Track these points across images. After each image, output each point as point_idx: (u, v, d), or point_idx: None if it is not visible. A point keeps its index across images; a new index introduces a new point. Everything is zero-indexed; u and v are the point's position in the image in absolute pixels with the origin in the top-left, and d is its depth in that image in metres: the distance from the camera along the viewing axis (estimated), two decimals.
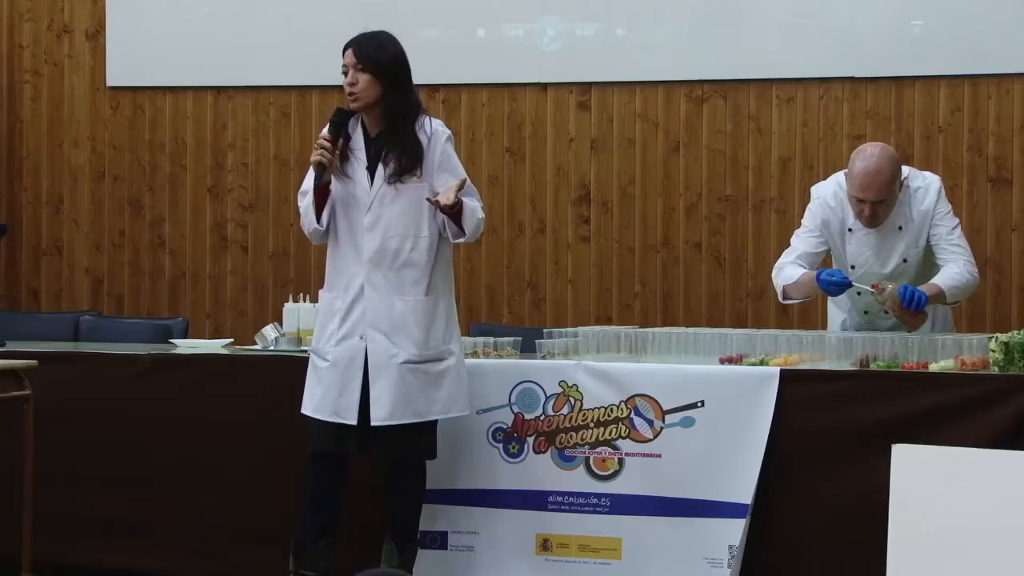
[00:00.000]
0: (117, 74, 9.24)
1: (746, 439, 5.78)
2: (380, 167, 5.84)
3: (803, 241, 6.42)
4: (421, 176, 5.83)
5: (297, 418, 5.88)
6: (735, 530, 5.76)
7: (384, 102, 5.85)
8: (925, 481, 3.54)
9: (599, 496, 5.94)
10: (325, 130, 5.88)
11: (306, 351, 6.44)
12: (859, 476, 5.60)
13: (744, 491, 5.76)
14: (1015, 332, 5.81)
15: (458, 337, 5.97)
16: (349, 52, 5.88)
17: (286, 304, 6.76)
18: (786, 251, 6.48)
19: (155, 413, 6.36)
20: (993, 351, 5.75)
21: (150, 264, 9.26)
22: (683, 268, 8.50)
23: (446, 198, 5.72)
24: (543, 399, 6.03)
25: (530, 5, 8.71)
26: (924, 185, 6.37)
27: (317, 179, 5.83)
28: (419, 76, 8.75)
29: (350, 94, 5.85)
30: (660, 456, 5.88)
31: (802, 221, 6.50)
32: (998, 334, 5.85)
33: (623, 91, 8.58)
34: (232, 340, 7.17)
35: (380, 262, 5.84)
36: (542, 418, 6.01)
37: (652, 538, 5.87)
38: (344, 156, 5.86)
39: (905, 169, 6.37)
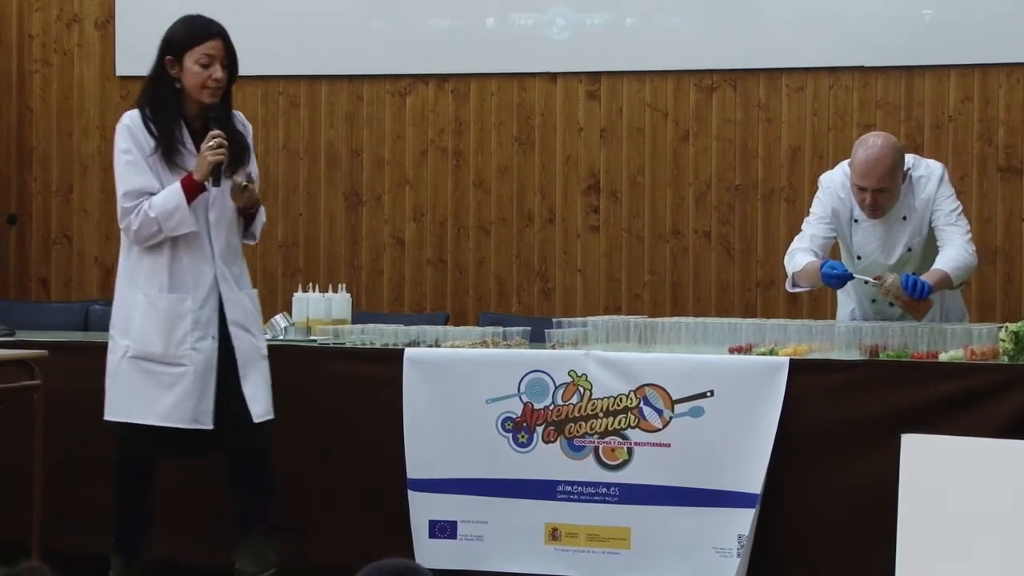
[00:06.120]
0: (127, 63, 9.23)
1: (755, 429, 5.77)
2: None
3: (814, 227, 6.41)
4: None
5: (296, 411, 5.87)
6: (744, 520, 5.76)
7: (225, 98, 5.84)
8: (934, 471, 3.54)
9: (608, 486, 5.94)
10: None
11: (315, 341, 6.45)
12: (868, 466, 5.60)
13: (753, 481, 5.76)
14: None
15: None
16: (219, 44, 5.78)
17: (295, 294, 6.76)
18: (798, 236, 6.46)
19: None
20: (1003, 341, 5.75)
21: None
22: (692, 258, 8.49)
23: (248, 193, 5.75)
24: (552, 389, 6.03)
25: None
26: (927, 173, 6.36)
27: (216, 180, 5.70)
28: (429, 66, 8.83)
29: (216, 88, 5.75)
30: (669, 446, 5.88)
31: (811, 209, 6.49)
32: (1008, 323, 5.84)
33: (632, 80, 8.57)
34: None
35: (227, 257, 5.80)
36: (551, 408, 6.01)
37: (661, 528, 5.87)
38: (176, 150, 5.76)
39: (909, 158, 6.35)
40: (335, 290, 6.77)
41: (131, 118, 5.80)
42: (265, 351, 5.89)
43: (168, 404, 5.73)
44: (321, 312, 6.62)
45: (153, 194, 5.71)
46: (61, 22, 9.34)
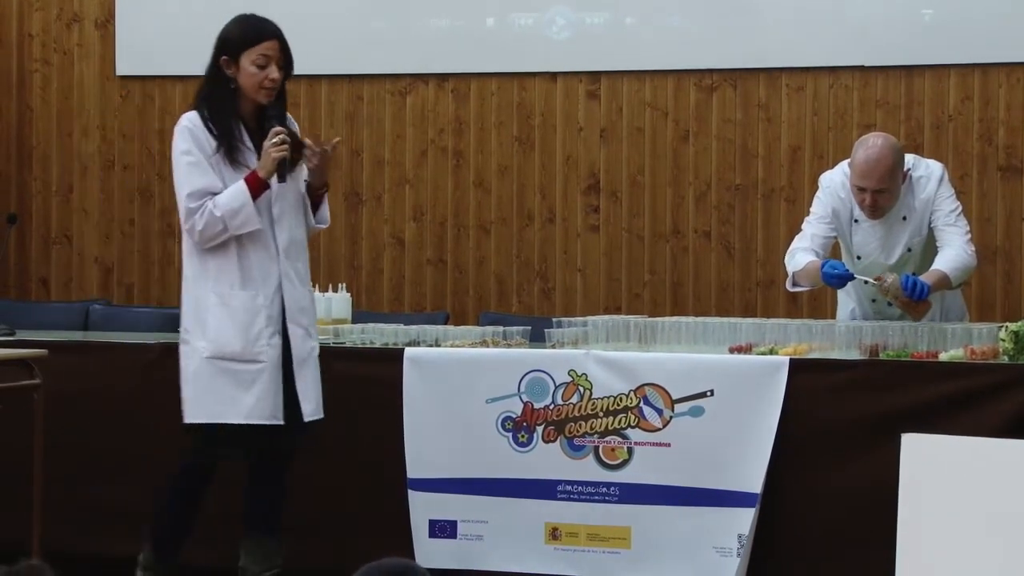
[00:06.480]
0: (127, 63, 9.24)
1: (755, 428, 5.77)
2: None
3: (814, 226, 6.41)
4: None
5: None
6: (744, 519, 5.76)
7: (280, 97, 5.85)
8: (934, 471, 3.54)
9: (608, 485, 5.94)
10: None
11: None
12: (868, 465, 5.60)
13: (753, 480, 5.76)
14: None
15: None
16: (275, 45, 5.78)
17: None
18: (798, 236, 6.46)
19: (164, 402, 6.35)
20: (1003, 340, 5.75)
21: (160, 253, 9.26)
22: (692, 257, 8.49)
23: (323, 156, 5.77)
24: (552, 388, 6.03)
25: None
26: (927, 174, 6.36)
27: (281, 176, 5.71)
28: (429, 66, 8.83)
29: (272, 89, 5.75)
30: (669, 445, 5.88)
31: (812, 208, 6.49)
32: (1008, 323, 5.84)
33: (632, 80, 8.57)
34: None
35: (290, 253, 5.79)
36: (551, 407, 6.01)
37: (661, 527, 5.87)
38: (237, 149, 5.76)
39: (909, 159, 6.35)
40: (335, 290, 6.77)
41: (190, 119, 5.78)
42: (317, 351, 5.89)
43: (250, 402, 5.73)
44: (321, 312, 6.62)
45: (216, 193, 5.71)
46: (61, 22, 9.35)
